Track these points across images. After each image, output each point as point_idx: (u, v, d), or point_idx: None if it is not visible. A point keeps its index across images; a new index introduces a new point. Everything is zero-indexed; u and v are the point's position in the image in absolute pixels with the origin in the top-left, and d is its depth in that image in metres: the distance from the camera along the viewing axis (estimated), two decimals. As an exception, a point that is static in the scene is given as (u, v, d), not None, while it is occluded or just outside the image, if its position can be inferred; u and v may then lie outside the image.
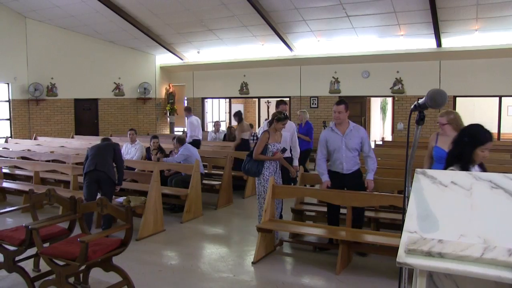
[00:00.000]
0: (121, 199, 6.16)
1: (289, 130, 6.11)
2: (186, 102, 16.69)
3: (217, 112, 18.98)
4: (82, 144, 10.66)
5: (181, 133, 14.91)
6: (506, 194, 1.98)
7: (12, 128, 13.97)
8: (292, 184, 6.28)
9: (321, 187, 5.19)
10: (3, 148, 10.53)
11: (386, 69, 12.77)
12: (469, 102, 13.45)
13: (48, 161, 8.43)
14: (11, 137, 13.51)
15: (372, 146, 8.15)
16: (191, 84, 16.49)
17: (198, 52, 15.12)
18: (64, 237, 4.21)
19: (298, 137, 6.75)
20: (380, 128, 17.28)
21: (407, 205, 2.07)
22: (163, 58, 16.32)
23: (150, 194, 5.98)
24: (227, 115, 18.21)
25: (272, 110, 16.74)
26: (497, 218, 1.90)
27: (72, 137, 12.99)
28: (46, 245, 3.99)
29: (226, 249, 5.56)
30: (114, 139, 7.03)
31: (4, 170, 8.64)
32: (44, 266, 4.24)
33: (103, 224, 6.03)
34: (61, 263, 3.71)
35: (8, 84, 13.78)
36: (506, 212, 1.92)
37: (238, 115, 9.87)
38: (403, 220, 2.04)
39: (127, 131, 8.74)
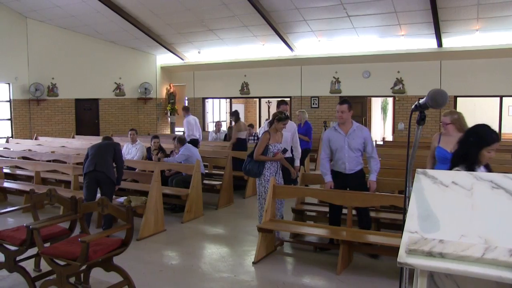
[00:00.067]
0: (121, 199, 6.16)
1: (290, 130, 6.11)
2: (186, 102, 16.70)
3: (218, 112, 18.97)
4: (83, 144, 10.66)
5: (181, 133, 14.91)
6: (507, 194, 1.98)
7: (13, 128, 13.98)
8: (293, 184, 6.27)
9: (324, 188, 5.19)
10: (4, 148, 10.54)
11: (387, 69, 12.77)
12: (470, 102, 13.44)
13: (49, 161, 8.44)
14: (12, 137, 13.52)
15: (373, 146, 8.11)
16: (191, 84, 16.50)
17: (199, 52, 15.13)
18: (65, 237, 4.21)
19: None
20: (381, 128, 17.28)
21: (408, 205, 2.07)
22: (164, 58, 16.33)
23: (151, 194, 5.98)
24: (228, 115, 18.20)
25: (273, 110, 16.76)
26: (498, 218, 1.90)
27: (73, 137, 12.99)
28: (47, 245, 3.99)
29: (226, 249, 5.56)
30: (115, 139, 7.03)
31: (5, 170, 8.65)
32: (45, 266, 4.25)
33: (103, 224, 6.03)
34: (62, 263, 3.71)
35: (9, 84, 13.79)
36: (507, 212, 1.92)
37: (235, 114, 9.90)
38: (404, 220, 2.04)
39: (128, 131, 8.74)
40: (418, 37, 11.57)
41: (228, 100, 17.24)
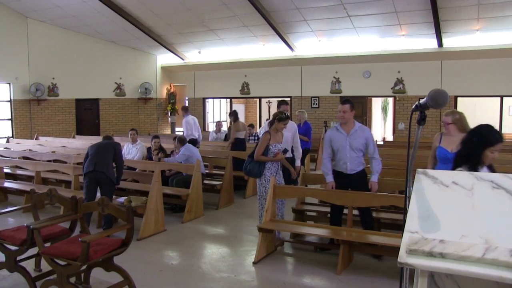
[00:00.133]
0: (122, 199, 6.16)
1: (291, 130, 6.10)
2: (187, 102, 16.70)
3: (218, 112, 18.97)
4: (83, 144, 10.67)
5: (182, 133, 14.91)
6: (507, 195, 1.97)
7: (14, 128, 13.99)
8: (293, 184, 6.27)
9: (326, 188, 5.18)
10: (4, 148, 10.55)
11: (387, 69, 12.77)
12: (470, 102, 13.44)
13: (50, 161, 8.44)
14: (12, 137, 13.53)
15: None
16: (192, 84, 16.50)
17: (199, 52, 15.13)
18: (65, 237, 4.21)
19: None
20: (381, 128, 17.27)
21: (408, 205, 2.07)
22: (164, 58, 16.33)
23: (151, 194, 5.98)
24: (228, 115, 18.18)
25: (273, 110, 16.76)
26: (499, 218, 1.90)
27: (73, 137, 13.01)
28: (47, 245, 3.99)
29: (227, 249, 5.56)
30: (115, 139, 7.02)
31: (6, 170, 8.65)
32: (45, 266, 4.25)
33: (104, 224, 6.02)
34: (62, 263, 3.71)
35: (9, 84, 13.81)
36: (507, 212, 1.92)
37: (233, 114, 9.94)
38: (404, 220, 2.04)
39: (128, 131, 8.74)
40: (418, 37, 11.57)
41: (228, 100, 17.25)
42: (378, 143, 11.23)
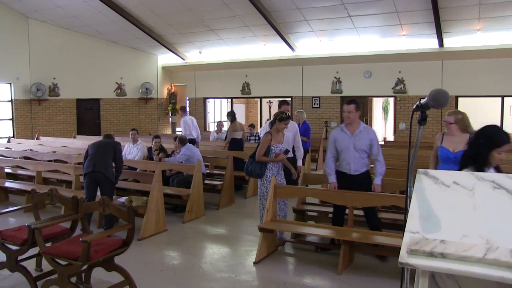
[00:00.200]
0: (123, 199, 6.16)
1: (292, 130, 6.09)
2: (188, 102, 16.71)
3: (219, 112, 18.98)
4: (84, 144, 10.67)
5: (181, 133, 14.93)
6: (508, 195, 1.97)
7: (15, 128, 14.01)
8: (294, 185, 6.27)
9: (328, 188, 5.17)
10: (5, 148, 10.56)
11: (388, 69, 12.76)
12: (471, 102, 13.43)
13: (50, 161, 8.45)
14: (13, 137, 13.54)
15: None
16: (193, 84, 16.50)
17: (200, 52, 15.13)
18: (66, 237, 4.22)
19: None
20: (382, 128, 17.27)
21: (409, 205, 2.07)
22: (165, 58, 16.34)
23: (152, 194, 5.98)
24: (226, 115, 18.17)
25: (274, 110, 16.77)
26: (500, 218, 1.90)
27: (74, 137, 13.02)
28: (48, 244, 4.00)
29: (227, 249, 5.56)
30: (116, 139, 7.03)
31: (7, 170, 8.66)
32: (46, 266, 4.26)
33: (104, 224, 6.03)
34: (63, 262, 3.72)
35: (10, 84, 13.83)
36: (508, 212, 1.91)
37: (231, 115, 9.99)
38: (405, 221, 2.04)
39: (129, 131, 8.74)
40: (419, 37, 11.56)
41: (229, 100, 17.26)
42: (379, 143, 11.26)
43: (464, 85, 11.79)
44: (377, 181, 4.97)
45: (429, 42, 11.69)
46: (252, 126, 12.01)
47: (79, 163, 7.69)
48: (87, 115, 15.31)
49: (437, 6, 9.71)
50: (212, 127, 16.30)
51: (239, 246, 5.67)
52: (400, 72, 12.67)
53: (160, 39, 14.45)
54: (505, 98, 11.83)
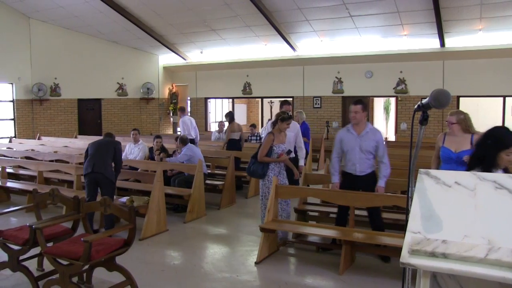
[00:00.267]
0: (124, 199, 6.16)
1: (293, 131, 6.09)
2: (189, 102, 16.72)
3: (220, 112, 18.98)
4: (86, 144, 10.64)
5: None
6: (510, 195, 1.97)
7: (16, 128, 14.03)
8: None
9: (330, 188, 5.16)
10: (7, 148, 10.58)
11: (390, 69, 12.75)
12: (472, 102, 13.41)
13: (52, 161, 8.46)
14: (15, 137, 13.57)
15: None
16: (194, 84, 16.51)
17: (201, 52, 15.14)
18: (67, 237, 4.22)
19: None
20: (384, 128, 17.24)
21: (411, 205, 2.07)
22: (166, 58, 16.35)
23: (153, 194, 5.98)
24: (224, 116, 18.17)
25: (275, 110, 16.76)
26: (502, 218, 1.89)
27: (76, 137, 13.04)
28: (49, 244, 4.00)
29: (229, 249, 5.56)
30: (117, 139, 7.02)
31: (8, 170, 8.67)
32: (48, 266, 4.26)
33: (105, 224, 6.02)
34: (64, 262, 3.72)
35: (12, 84, 13.85)
36: (510, 212, 1.91)
37: (229, 115, 10.04)
38: (406, 221, 2.04)
39: (130, 131, 8.75)
40: (420, 37, 11.55)
41: (230, 100, 17.28)
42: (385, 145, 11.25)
43: (465, 85, 11.78)
44: (381, 183, 4.93)
45: (430, 42, 11.67)
46: (253, 126, 12.02)
47: (80, 163, 7.69)
48: (89, 115, 15.33)
49: (439, 6, 9.69)
50: (213, 127, 16.31)
51: (240, 246, 5.67)
52: (401, 72, 12.65)
53: (161, 39, 14.46)
54: (506, 98, 11.80)
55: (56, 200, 4.49)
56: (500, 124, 11.61)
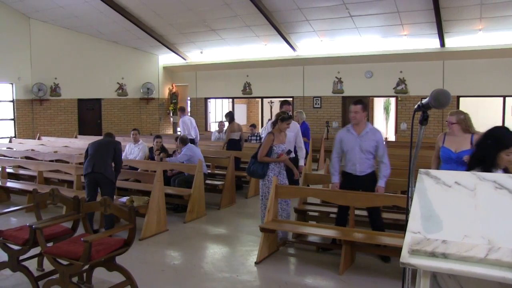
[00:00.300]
0: (124, 199, 6.17)
1: (293, 131, 6.09)
2: (189, 102, 16.72)
3: (220, 112, 18.98)
4: (86, 144, 10.64)
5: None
6: (510, 195, 1.97)
7: (16, 128, 14.03)
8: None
9: (330, 188, 5.16)
10: (7, 148, 10.58)
11: (390, 69, 12.75)
12: (472, 102, 13.41)
13: (52, 161, 8.46)
14: (15, 137, 13.56)
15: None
16: (194, 84, 16.51)
17: (201, 52, 15.14)
18: (67, 237, 4.22)
19: None
20: (384, 128, 17.24)
21: (411, 205, 2.07)
22: (166, 58, 16.35)
23: (153, 194, 5.98)
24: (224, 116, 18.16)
25: (275, 110, 16.76)
26: (502, 218, 1.89)
27: (76, 137, 13.03)
28: (49, 244, 4.00)
29: (229, 249, 5.56)
30: (117, 139, 7.02)
31: (8, 170, 8.67)
32: (48, 266, 4.26)
33: (105, 224, 6.02)
34: (64, 262, 3.72)
35: (12, 84, 13.85)
36: (510, 212, 1.91)
37: (229, 115, 10.06)
38: (406, 221, 2.04)
39: (130, 131, 8.76)
40: (420, 37, 11.55)
41: (230, 100, 17.29)
42: (385, 145, 11.24)
43: (465, 85, 11.78)
44: (381, 183, 4.93)
45: (430, 42, 11.67)
46: (253, 126, 12.02)
47: (80, 163, 7.69)
48: (89, 115, 15.33)
49: (439, 6, 9.69)
50: (213, 127, 16.30)
51: (240, 246, 5.67)
52: (401, 72, 12.65)
53: (161, 39, 14.46)
54: (506, 98, 11.80)
55: (56, 200, 4.49)
56: (500, 124, 11.64)
